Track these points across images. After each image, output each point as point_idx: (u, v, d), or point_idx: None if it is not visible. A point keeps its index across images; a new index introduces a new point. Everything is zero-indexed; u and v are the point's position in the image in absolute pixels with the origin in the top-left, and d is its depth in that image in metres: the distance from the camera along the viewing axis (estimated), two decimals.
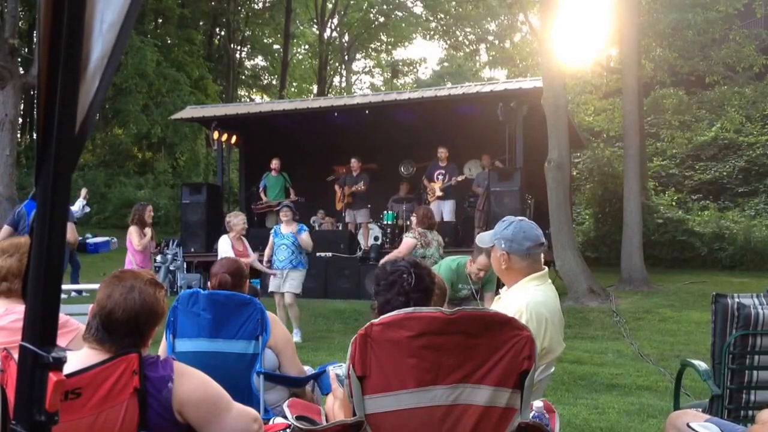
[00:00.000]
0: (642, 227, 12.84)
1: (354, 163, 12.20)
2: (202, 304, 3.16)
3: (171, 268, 11.41)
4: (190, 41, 26.41)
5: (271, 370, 3.19)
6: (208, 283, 3.40)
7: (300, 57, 36.40)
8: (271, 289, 8.08)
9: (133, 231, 8.45)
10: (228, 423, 1.95)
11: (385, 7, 32.98)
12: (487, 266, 5.66)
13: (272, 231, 8.30)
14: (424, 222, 6.89)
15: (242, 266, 3.49)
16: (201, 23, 28.92)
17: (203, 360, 3.04)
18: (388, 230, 12.18)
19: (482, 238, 2.80)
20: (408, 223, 8.58)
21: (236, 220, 7.97)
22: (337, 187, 12.54)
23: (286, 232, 7.95)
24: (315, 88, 33.25)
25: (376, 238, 12.31)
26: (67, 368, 1.19)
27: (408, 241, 6.73)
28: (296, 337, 7.45)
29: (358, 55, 38.09)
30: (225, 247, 7.78)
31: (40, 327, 1.03)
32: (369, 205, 12.31)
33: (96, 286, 2.08)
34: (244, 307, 3.17)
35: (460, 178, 11.80)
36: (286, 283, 7.85)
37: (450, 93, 12.79)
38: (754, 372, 2.89)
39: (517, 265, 2.63)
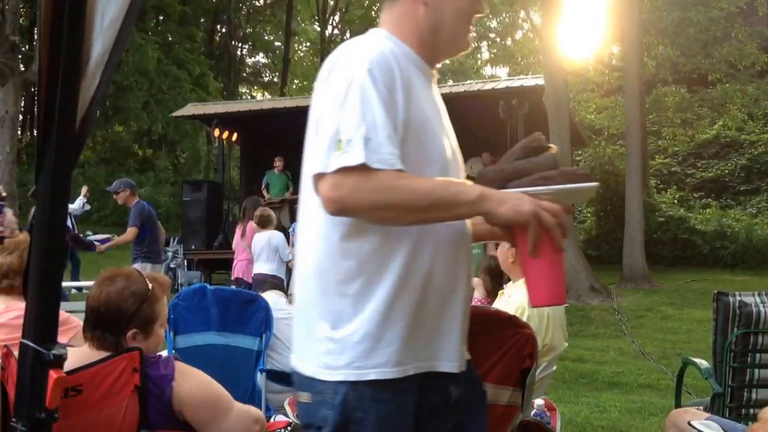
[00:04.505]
0: (643, 225, 12.82)
1: None
2: (210, 299, 3.19)
3: (171, 265, 11.40)
4: (191, 38, 26.39)
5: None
6: None
7: (301, 54, 36.35)
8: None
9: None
10: (228, 425, 1.93)
11: None
12: None
13: (290, 230, 8.23)
14: None
15: None
16: (202, 20, 28.89)
17: (213, 352, 3.07)
18: None
19: None
20: None
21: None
22: None
23: None
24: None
25: None
26: (68, 365, 1.18)
27: None
28: None
29: None
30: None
31: (41, 324, 1.03)
32: None
33: None
34: (249, 305, 3.19)
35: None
36: None
37: (451, 90, 12.75)
38: (756, 370, 2.88)
39: None
